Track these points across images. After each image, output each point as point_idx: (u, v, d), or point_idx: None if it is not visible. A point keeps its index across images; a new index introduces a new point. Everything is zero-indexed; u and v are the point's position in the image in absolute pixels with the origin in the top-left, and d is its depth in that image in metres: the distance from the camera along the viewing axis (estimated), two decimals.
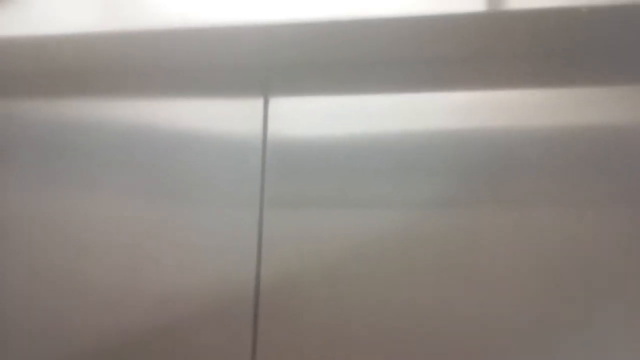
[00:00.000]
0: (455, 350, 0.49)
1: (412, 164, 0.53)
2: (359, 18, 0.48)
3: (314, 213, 0.53)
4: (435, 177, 0.52)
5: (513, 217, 0.50)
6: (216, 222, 0.54)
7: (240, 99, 0.56)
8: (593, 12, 0.46)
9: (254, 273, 0.53)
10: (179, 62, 0.55)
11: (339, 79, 0.54)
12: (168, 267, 0.54)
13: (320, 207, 0.53)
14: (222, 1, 0.49)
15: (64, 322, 0.54)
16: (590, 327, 0.47)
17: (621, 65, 0.50)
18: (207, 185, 0.55)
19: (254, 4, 0.49)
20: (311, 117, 0.55)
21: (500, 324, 0.49)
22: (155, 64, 0.56)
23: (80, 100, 0.58)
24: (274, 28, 0.49)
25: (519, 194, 0.50)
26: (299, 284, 0.52)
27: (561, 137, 0.50)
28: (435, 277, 0.50)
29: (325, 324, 0.51)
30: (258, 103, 0.55)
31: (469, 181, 0.51)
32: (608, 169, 0.49)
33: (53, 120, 0.58)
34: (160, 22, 0.50)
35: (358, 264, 0.52)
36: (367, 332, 0.50)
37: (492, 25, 0.49)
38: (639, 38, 0.48)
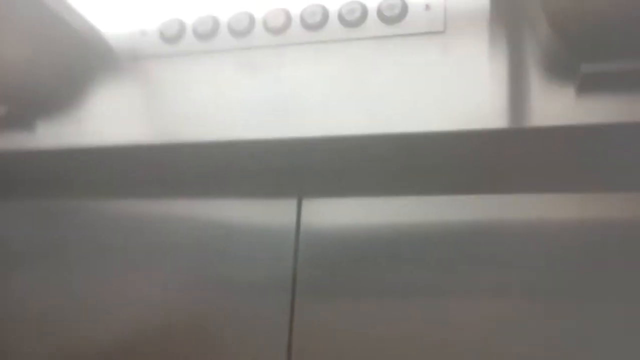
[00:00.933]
0: None
1: (437, 256, 0.55)
2: (385, 133, 0.51)
3: (342, 304, 0.56)
4: (463, 267, 0.54)
5: (534, 309, 0.52)
6: (249, 312, 0.58)
7: (276, 200, 0.60)
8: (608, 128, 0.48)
9: None
10: (221, 168, 0.59)
11: (367, 183, 0.58)
12: (200, 354, 0.58)
13: (348, 298, 0.56)
14: (260, 118, 0.53)
15: None
16: None
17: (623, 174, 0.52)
18: (243, 278, 0.59)
19: (288, 120, 0.53)
20: (340, 216, 0.58)
21: None
22: (195, 172, 0.60)
23: (124, 202, 0.64)
24: (306, 141, 0.53)
25: (539, 286, 0.53)
26: None
27: (578, 238, 0.53)
28: None
29: None
30: (292, 203, 0.59)
31: (489, 272, 0.54)
32: (616, 266, 0.52)
33: (101, 222, 0.64)
34: (201, 136, 0.54)
35: (388, 353, 0.54)
36: None
37: (515, 141, 0.51)
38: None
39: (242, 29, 0.55)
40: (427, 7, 0.52)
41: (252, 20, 0.55)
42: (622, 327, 0.50)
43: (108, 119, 0.56)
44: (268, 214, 0.59)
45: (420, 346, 0.54)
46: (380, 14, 0.53)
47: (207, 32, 0.56)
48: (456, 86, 0.51)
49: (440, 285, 0.55)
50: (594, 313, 0.51)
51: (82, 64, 0.57)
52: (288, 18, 0.55)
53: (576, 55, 0.48)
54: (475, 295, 0.54)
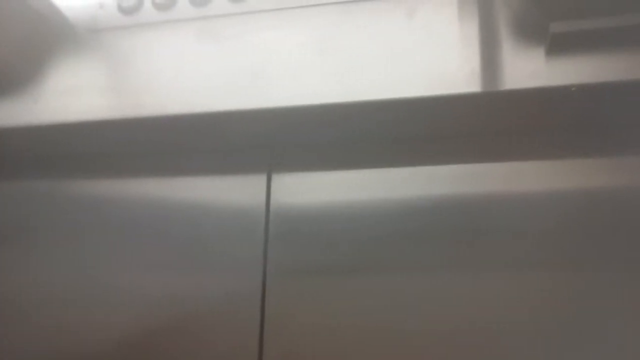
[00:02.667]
0: None
1: (410, 231, 0.54)
2: (356, 101, 0.50)
3: (314, 281, 0.55)
4: (435, 242, 0.53)
5: (511, 280, 0.51)
6: (220, 290, 0.56)
7: (245, 176, 0.58)
8: (581, 89, 0.47)
9: (257, 342, 0.54)
10: (185, 145, 0.58)
11: (338, 156, 0.57)
12: (173, 333, 0.56)
13: (320, 275, 0.55)
14: (226, 89, 0.52)
15: None
16: None
17: (610, 137, 0.52)
18: (213, 255, 0.57)
19: (255, 91, 0.51)
20: (311, 191, 0.57)
21: None
22: (162, 147, 0.59)
23: (88, 181, 0.62)
24: (273, 112, 0.51)
25: (519, 259, 0.51)
26: (302, 354, 0.53)
27: (555, 203, 0.52)
28: (443, 342, 0.51)
29: None
30: (261, 179, 0.57)
31: (467, 246, 0.53)
32: (600, 234, 0.51)
33: (67, 200, 0.62)
34: (166, 109, 0.53)
35: (361, 331, 0.53)
36: None
37: (487, 105, 0.50)
38: (623, 112, 0.50)
39: None
40: None
41: None
42: (629, 295, 0.49)
43: (67, 94, 0.54)
44: (236, 190, 0.58)
45: (394, 324, 0.52)
46: None
47: (166, 2, 0.54)
48: (425, 51, 0.50)
49: (415, 260, 0.53)
50: (582, 281, 0.50)
51: (39, 39, 0.56)
52: None
53: (545, 15, 0.47)
54: (459, 271, 0.52)
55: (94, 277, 0.59)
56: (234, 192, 0.58)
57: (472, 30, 0.50)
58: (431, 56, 0.49)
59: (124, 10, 0.55)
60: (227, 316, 0.55)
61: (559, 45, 0.47)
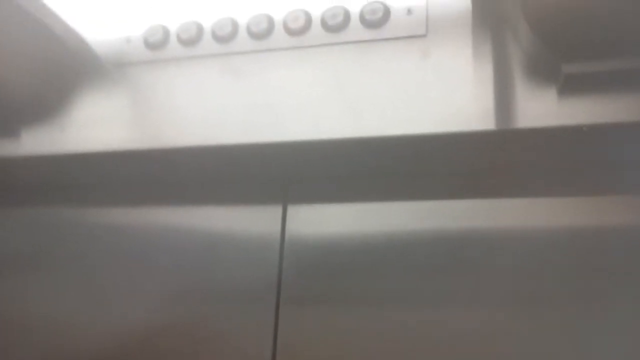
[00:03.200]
0: None
1: (422, 264, 0.55)
2: (370, 136, 0.51)
3: (327, 311, 0.56)
4: (447, 275, 0.54)
5: (522, 316, 0.51)
6: (233, 320, 0.57)
7: (261, 207, 0.59)
8: (592, 129, 0.48)
9: None
10: (204, 176, 0.60)
11: (352, 190, 0.58)
12: None
13: (333, 306, 0.56)
14: (244, 123, 0.53)
15: None
16: None
17: (619, 178, 0.52)
18: (228, 285, 0.58)
19: (272, 125, 0.53)
20: (325, 223, 0.58)
21: None
22: (181, 178, 0.60)
23: (109, 210, 0.63)
24: (289, 146, 0.53)
25: (528, 293, 0.52)
26: None
27: (564, 242, 0.52)
28: None
29: None
30: (277, 210, 0.59)
31: (477, 280, 0.53)
32: (605, 272, 0.51)
33: (87, 228, 0.63)
34: (185, 141, 0.54)
35: None
36: None
37: (500, 143, 0.51)
38: (634, 153, 0.51)
39: (226, 35, 0.55)
40: (409, 11, 0.53)
41: (235, 25, 0.56)
42: (617, 333, 0.49)
43: (92, 125, 0.56)
44: (253, 221, 0.59)
45: (405, 355, 0.53)
46: (362, 18, 0.53)
47: (191, 38, 0.56)
48: (439, 89, 0.51)
49: (427, 293, 0.54)
50: (586, 318, 0.50)
51: (67, 71, 0.58)
52: (271, 24, 0.55)
53: (557, 56, 0.48)
54: (463, 303, 0.53)
55: (107, 305, 0.60)
56: (250, 222, 0.59)
57: (486, 70, 0.51)
58: (445, 94, 0.50)
59: (150, 45, 0.57)
60: (240, 346, 0.56)
61: (571, 86, 0.48)
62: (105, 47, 0.58)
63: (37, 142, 0.57)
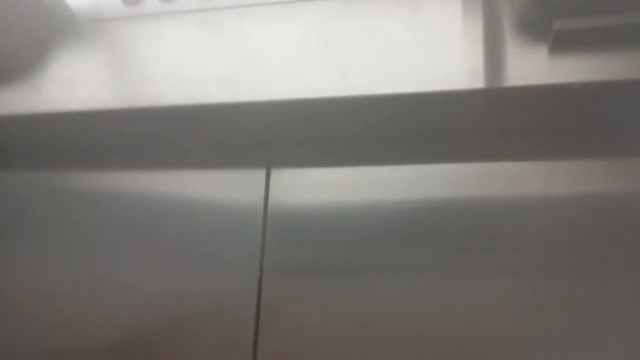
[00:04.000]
0: None
1: (409, 232, 0.53)
2: (356, 95, 0.49)
3: (310, 280, 0.54)
4: (434, 244, 0.53)
5: (510, 284, 0.50)
6: (216, 287, 0.55)
7: (244, 171, 0.58)
8: (583, 87, 0.47)
9: (252, 340, 0.53)
10: (184, 137, 0.58)
11: (338, 153, 0.56)
12: (167, 330, 0.55)
13: (317, 274, 0.54)
14: (226, 81, 0.51)
15: None
16: None
17: (612, 138, 0.51)
18: (210, 252, 0.56)
19: (255, 83, 0.51)
20: (311, 188, 0.56)
21: None
22: (160, 139, 0.58)
23: (87, 173, 0.61)
24: (274, 105, 0.51)
25: (517, 261, 0.51)
26: (296, 352, 0.53)
27: (555, 207, 0.51)
28: (436, 345, 0.50)
29: None
30: (260, 174, 0.57)
31: (465, 248, 0.52)
32: (602, 238, 0.50)
33: (63, 192, 0.61)
34: (165, 100, 0.52)
35: (357, 332, 0.52)
36: None
37: (489, 102, 0.50)
38: (626, 112, 0.50)
39: None
40: None
41: None
42: (630, 301, 0.48)
43: (68, 84, 0.54)
44: (235, 185, 0.57)
45: (390, 325, 0.51)
46: None
47: None
48: (427, 46, 0.49)
49: (415, 261, 0.53)
50: (587, 285, 0.49)
51: (42, 27, 0.56)
52: None
53: (548, 12, 0.47)
54: (456, 272, 0.52)
55: (88, 272, 0.58)
56: (232, 187, 0.57)
57: (476, 27, 0.49)
58: (433, 52, 0.49)
59: (127, 1, 0.55)
60: (223, 313, 0.55)
61: (562, 43, 0.47)
62: (81, 3, 0.56)
63: (10, 101, 0.55)
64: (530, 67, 0.47)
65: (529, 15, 0.48)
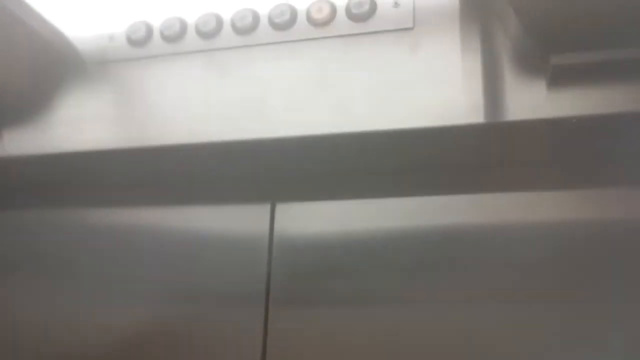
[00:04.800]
0: None
1: (414, 262, 0.54)
2: (358, 131, 0.50)
3: (317, 310, 0.55)
4: (437, 273, 0.53)
5: (509, 312, 0.51)
6: (222, 320, 0.56)
7: (249, 206, 0.58)
8: (581, 120, 0.47)
9: None
10: (190, 174, 0.59)
11: (341, 186, 0.57)
12: None
13: (323, 305, 0.55)
14: (230, 119, 0.52)
15: None
16: None
17: (610, 169, 0.52)
18: (216, 285, 0.57)
19: (258, 121, 0.52)
20: (315, 221, 0.57)
21: None
22: (167, 177, 0.59)
23: (95, 211, 0.62)
24: (277, 142, 0.52)
25: (519, 289, 0.51)
26: None
27: (554, 235, 0.52)
28: None
29: None
30: (265, 208, 0.58)
31: (469, 277, 0.52)
32: (597, 266, 0.50)
33: (69, 230, 0.62)
34: (170, 139, 0.53)
35: None
36: None
37: (489, 137, 0.50)
38: (624, 144, 0.50)
39: (210, 30, 0.54)
40: (396, 4, 0.52)
41: (219, 21, 0.55)
42: (609, 329, 0.49)
43: (75, 124, 0.55)
44: (240, 220, 0.58)
45: (396, 355, 0.52)
46: (348, 11, 0.52)
47: (175, 34, 0.55)
48: (427, 83, 0.50)
49: (418, 291, 0.53)
50: (580, 314, 0.50)
51: (49, 69, 0.57)
52: (256, 18, 0.54)
53: (545, 48, 0.47)
54: (454, 300, 0.52)
55: (94, 306, 0.59)
56: (238, 221, 0.58)
57: (474, 63, 0.50)
58: (433, 88, 0.50)
59: (133, 43, 0.56)
60: (229, 346, 0.55)
61: (560, 78, 0.47)
62: (88, 45, 0.57)
63: (19, 142, 0.56)
64: (529, 101, 0.48)
65: (527, 50, 0.49)
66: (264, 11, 0.54)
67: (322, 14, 0.52)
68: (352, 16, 0.52)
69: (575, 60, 0.47)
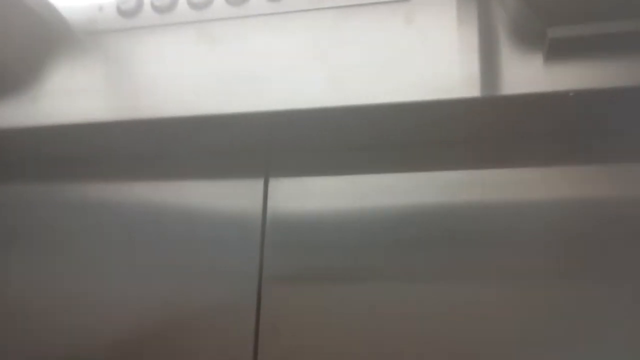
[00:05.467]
0: None
1: (407, 238, 0.54)
2: (352, 105, 0.49)
3: (310, 287, 0.54)
4: (433, 250, 0.53)
5: (507, 289, 0.51)
6: (215, 295, 0.56)
7: (242, 180, 0.58)
8: (578, 94, 0.47)
9: (252, 348, 0.54)
10: (182, 147, 0.58)
11: (335, 162, 0.57)
12: (167, 339, 0.56)
13: (316, 281, 0.55)
14: (223, 92, 0.51)
15: None
16: None
17: (607, 144, 0.51)
18: (209, 260, 0.57)
19: (252, 94, 0.51)
20: (308, 196, 0.57)
21: None
22: (158, 150, 0.59)
23: (85, 184, 0.61)
24: (271, 115, 0.51)
25: (514, 267, 0.51)
26: None
27: (553, 211, 0.51)
28: (437, 350, 0.50)
29: None
30: (258, 183, 0.57)
31: (464, 254, 0.52)
32: (600, 242, 0.50)
33: (61, 203, 0.61)
34: (163, 111, 0.52)
35: (357, 338, 0.52)
36: None
37: (485, 111, 0.50)
38: (621, 118, 0.50)
39: (201, 1, 0.54)
40: None
41: None
42: (626, 305, 0.48)
43: (65, 96, 0.54)
44: (233, 195, 0.58)
45: (391, 331, 0.52)
46: None
47: (166, 4, 0.54)
48: (423, 56, 0.49)
49: (414, 267, 0.53)
50: (581, 291, 0.49)
51: (38, 41, 0.56)
52: None
53: (542, 20, 0.47)
54: (451, 277, 0.52)
55: (88, 281, 0.58)
56: (231, 196, 0.58)
57: (471, 35, 0.49)
58: (429, 61, 0.49)
59: (123, 13, 0.55)
60: (223, 321, 0.55)
61: (557, 51, 0.47)
62: (77, 15, 0.56)
63: (9, 114, 0.55)
64: (526, 75, 0.47)
65: (523, 23, 0.48)
66: None
67: None
68: None
69: (573, 33, 0.46)
